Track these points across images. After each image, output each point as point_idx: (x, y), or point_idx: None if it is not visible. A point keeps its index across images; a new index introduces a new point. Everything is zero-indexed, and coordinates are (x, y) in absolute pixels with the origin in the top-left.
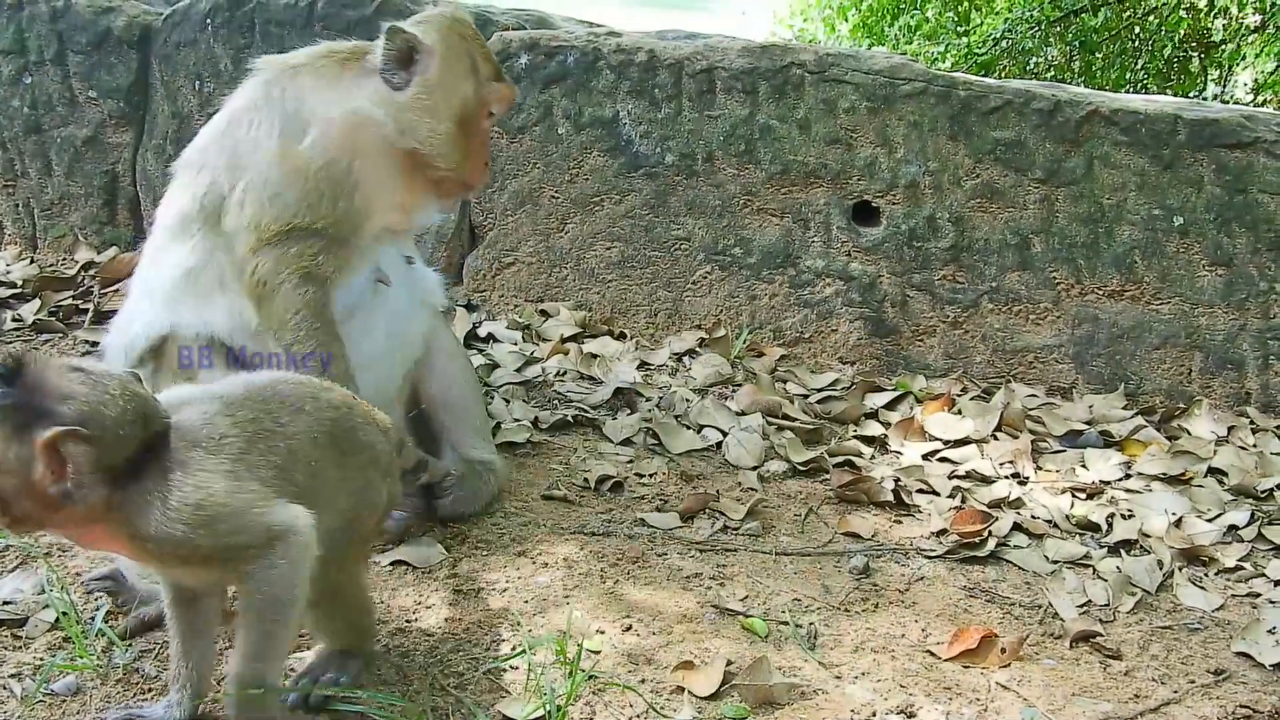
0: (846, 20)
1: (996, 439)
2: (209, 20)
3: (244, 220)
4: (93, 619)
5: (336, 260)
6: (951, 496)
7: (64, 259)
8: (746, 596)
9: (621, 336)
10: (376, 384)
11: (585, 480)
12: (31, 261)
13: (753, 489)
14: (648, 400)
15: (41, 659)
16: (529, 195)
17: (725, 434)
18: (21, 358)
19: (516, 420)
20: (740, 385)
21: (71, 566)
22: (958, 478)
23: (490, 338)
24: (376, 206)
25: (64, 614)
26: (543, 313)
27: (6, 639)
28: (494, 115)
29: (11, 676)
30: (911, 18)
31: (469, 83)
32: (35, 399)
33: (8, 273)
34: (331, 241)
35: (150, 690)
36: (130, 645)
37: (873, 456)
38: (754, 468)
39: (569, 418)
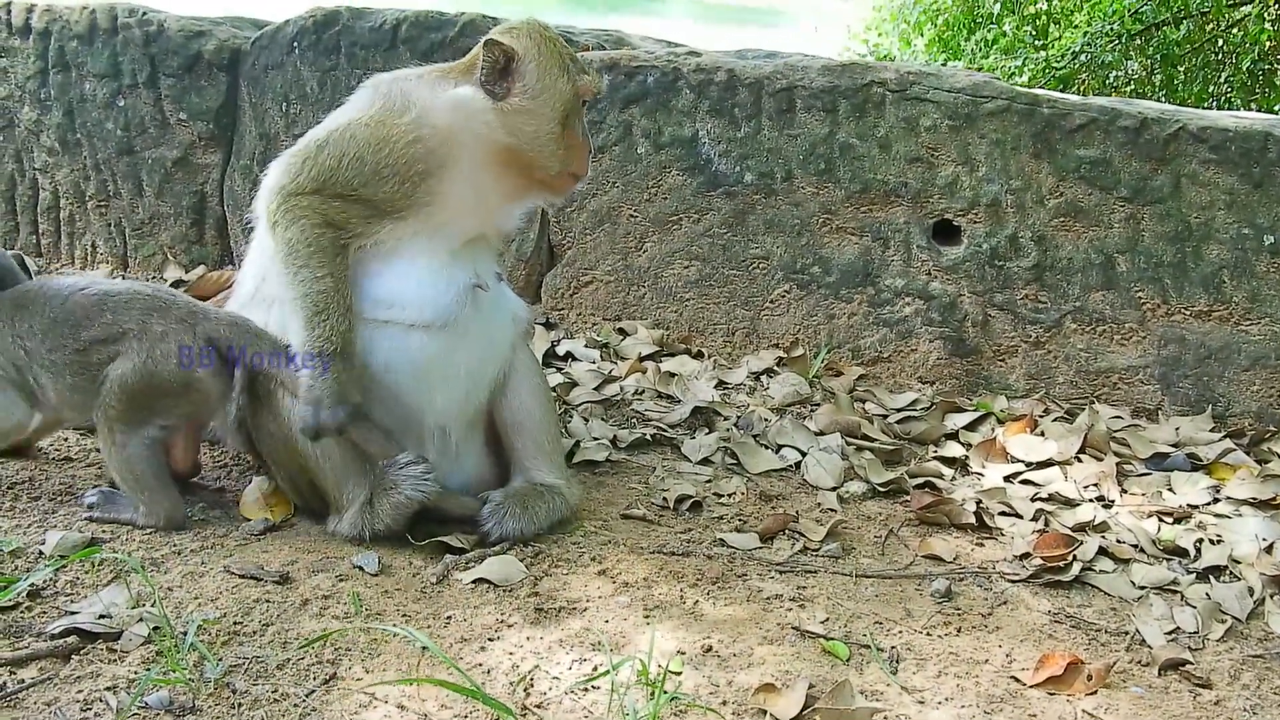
0: (922, 35)
1: (1080, 461)
2: (296, 43)
3: (314, 168)
4: (185, 633)
5: (366, 229)
6: (1034, 519)
7: (154, 278)
8: (827, 619)
9: (699, 355)
10: (466, 394)
11: (664, 499)
12: (122, 280)
13: (832, 510)
14: (726, 419)
15: (136, 673)
16: (608, 214)
17: (804, 454)
18: None
19: (595, 439)
20: (819, 405)
21: (164, 581)
22: (1040, 500)
23: (569, 356)
24: (451, 197)
25: (156, 628)
26: (621, 331)
27: (102, 652)
28: (586, 104)
29: (107, 689)
30: (988, 32)
31: (565, 81)
32: None
33: None
34: (379, 214)
35: (240, 705)
36: (220, 660)
37: (953, 478)
38: (833, 488)
39: (647, 436)
